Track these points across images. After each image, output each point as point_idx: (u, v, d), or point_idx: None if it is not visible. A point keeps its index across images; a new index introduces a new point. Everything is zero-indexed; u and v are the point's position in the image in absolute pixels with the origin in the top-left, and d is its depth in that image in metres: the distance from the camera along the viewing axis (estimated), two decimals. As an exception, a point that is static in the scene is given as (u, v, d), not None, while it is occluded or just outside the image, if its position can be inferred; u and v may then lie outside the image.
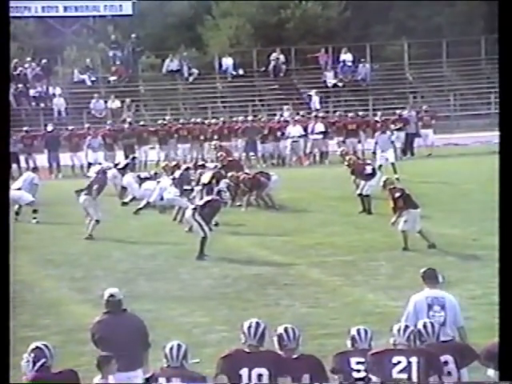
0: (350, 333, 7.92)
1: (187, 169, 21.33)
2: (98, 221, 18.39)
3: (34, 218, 20.63)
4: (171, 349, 7.55)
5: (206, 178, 20.32)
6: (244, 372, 7.38)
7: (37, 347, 7.67)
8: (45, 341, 11.12)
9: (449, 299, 8.90)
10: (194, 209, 16.69)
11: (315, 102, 36.57)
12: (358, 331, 7.92)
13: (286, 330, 7.66)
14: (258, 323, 7.61)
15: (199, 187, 20.23)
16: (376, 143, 26.43)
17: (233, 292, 13.74)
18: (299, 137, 30.97)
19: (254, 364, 7.40)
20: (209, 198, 17.47)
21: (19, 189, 20.87)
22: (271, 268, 15.25)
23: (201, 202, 17.11)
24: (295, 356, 7.58)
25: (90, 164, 29.32)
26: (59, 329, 11.89)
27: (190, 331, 11.55)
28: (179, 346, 7.57)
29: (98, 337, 8.62)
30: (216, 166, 21.95)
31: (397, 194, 16.44)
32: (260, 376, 7.38)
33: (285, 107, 34.96)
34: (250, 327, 7.57)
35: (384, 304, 12.66)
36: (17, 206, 20.82)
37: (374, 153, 26.20)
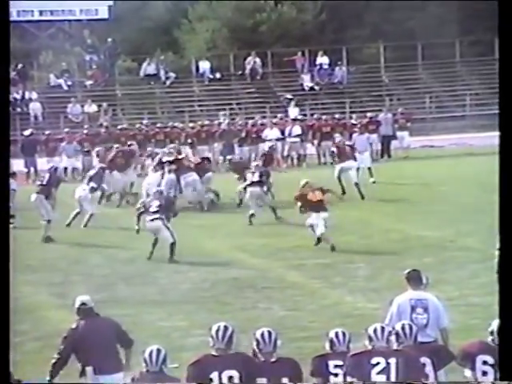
0: (329, 335, 7.92)
1: None
2: (49, 221, 18.43)
3: (11, 223, 20.48)
4: (150, 353, 7.55)
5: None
6: (214, 376, 7.39)
7: None
8: (23, 347, 11.16)
9: (432, 301, 8.90)
10: (161, 218, 16.43)
11: (293, 111, 36.16)
12: (337, 334, 7.92)
13: (262, 333, 7.66)
14: (225, 327, 7.63)
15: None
16: (353, 145, 26.51)
17: (211, 296, 13.72)
18: (277, 140, 30.99)
19: (224, 367, 7.42)
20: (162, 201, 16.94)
21: None
22: (249, 271, 15.25)
23: (156, 208, 16.64)
24: (273, 359, 7.59)
25: (65, 168, 29.28)
26: (37, 334, 11.83)
27: (168, 335, 11.54)
28: (158, 350, 7.58)
29: (74, 343, 8.57)
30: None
31: (316, 197, 16.74)
32: (230, 378, 7.40)
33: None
34: (218, 331, 7.60)
35: (362, 306, 12.68)
36: None
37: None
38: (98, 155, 25.14)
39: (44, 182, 19.02)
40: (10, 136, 7.66)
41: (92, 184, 20.54)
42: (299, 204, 17.16)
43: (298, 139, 31.04)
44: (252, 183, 19.95)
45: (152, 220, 16.51)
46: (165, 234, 16.35)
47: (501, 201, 6.79)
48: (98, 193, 21.41)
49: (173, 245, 16.22)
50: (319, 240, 16.72)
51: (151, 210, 16.63)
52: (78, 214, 20.31)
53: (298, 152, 31.48)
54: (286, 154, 31.27)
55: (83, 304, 8.72)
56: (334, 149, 24.07)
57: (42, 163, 29.44)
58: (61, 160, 29.44)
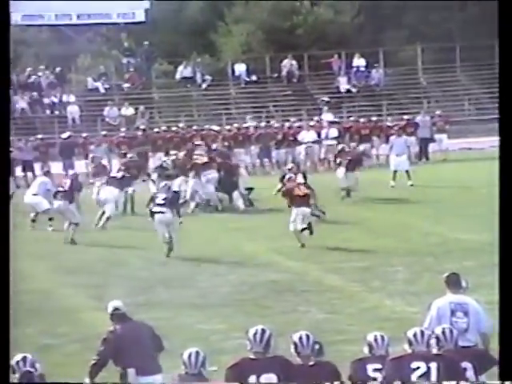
0: (367, 339, 7.90)
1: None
2: (77, 224, 18.97)
3: (50, 226, 20.69)
4: (189, 356, 7.57)
5: None
6: (252, 379, 7.41)
7: (18, 361, 7.49)
8: (63, 348, 11.27)
9: (472, 305, 8.80)
10: (168, 211, 17.07)
11: (327, 115, 35.91)
12: (375, 337, 7.89)
13: (300, 336, 7.66)
14: (263, 330, 7.64)
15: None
16: (391, 147, 26.45)
17: (250, 299, 13.74)
18: (313, 142, 30.97)
19: (262, 370, 7.42)
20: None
21: (36, 194, 20.86)
22: (288, 274, 15.25)
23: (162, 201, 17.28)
24: (311, 363, 7.58)
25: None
26: (77, 336, 11.91)
27: (207, 338, 11.57)
28: (197, 353, 7.60)
29: (113, 346, 8.65)
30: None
31: (301, 192, 17.33)
32: (268, 381, 7.40)
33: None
34: (255, 334, 7.60)
35: (401, 310, 12.64)
36: (33, 214, 20.86)
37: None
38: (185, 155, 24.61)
39: (66, 188, 19.58)
40: (10, 137, 7.76)
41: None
42: (287, 200, 17.45)
43: (334, 142, 30.97)
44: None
45: (159, 212, 17.13)
46: (169, 227, 17.08)
47: (501, 204, 7.01)
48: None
49: (171, 239, 16.89)
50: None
51: (157, 201, 17.32)
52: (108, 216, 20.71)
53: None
54: (322, 156, 31.22)
55: (116, 309, 8.79)
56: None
57: (81, 166, 29.65)
58: (88, 164, 28.81)
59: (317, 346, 7.69)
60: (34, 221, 20.81)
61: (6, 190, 8.04)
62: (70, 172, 22.58)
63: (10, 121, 8.23)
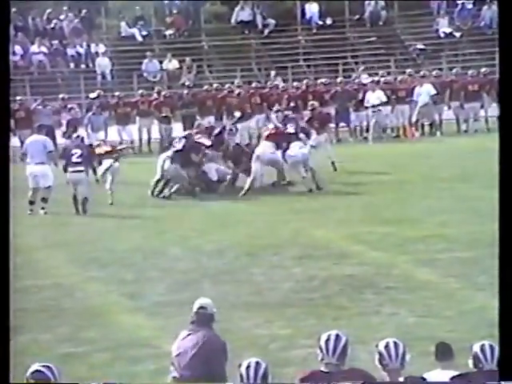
0: (472, 349, 7.84)
1: None
2: (86, 198, 20.55)
3: (43, 208, 20.63)
4: (248, 367, 7.58)
5: None
6: (324, 397, 7.46)
7: (36, 371, 7.58)
8: (89, 358, 11.38)
9: None
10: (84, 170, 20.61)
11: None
12: (483, 348, 7.82)
13: (387, 345, 7.63)
14: (337, 336, 7.64)
15: None
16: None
17: (320, 297, 13.76)
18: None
19: None
20: None
21: (41, 163, 20.65)
22: (368, 267, 15.24)
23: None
24: (401, 379, 7.55)
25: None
26: (106, 344, 12.03)
27: (267, 346, 11.62)
28: (258, 364, 7.61)
29: (178, 352, 8.92)
30: None
31: None
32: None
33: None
34: (328, 341, 7.60)
35: (514, 312, 12.52)
36: (31, 192, 20.62)
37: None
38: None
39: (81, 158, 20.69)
40: (9, 133, 8.57)
41: None
42: None
43: (430, 100, 30.71)
44: None
45: (75, 172, 20.23)
46: (84, 188, 20.28)
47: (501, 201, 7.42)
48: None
49: (86, 200, 20.18)
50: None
51: (73, 160, 20.26)
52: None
53: (430, 117, 31.17)
54: (414, 119, 31.04)
55: (201, 308, 9.00)
56: None
57: (112, 132, 29.84)
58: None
59: (408, 358, 7.64)
60: (32, 202, 20.68)
61: (6, 182, 8.53)
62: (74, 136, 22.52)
63: (9, 119, 9.07)
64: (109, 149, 22.38)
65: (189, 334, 8.98)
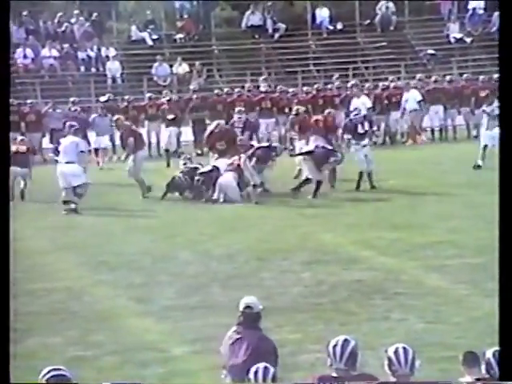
0: (485, 356, 7.81)
1: None
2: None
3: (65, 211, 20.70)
4: (256, 372, 7.59)
5: None
6: (334, 402, 7.45)
7: (55, 374, 7.47)
8: (98, 362, 11.38)
9: None
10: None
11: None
12: (494, 354, 7.79)
13: (396, 351, 7.61)
14: (346, 340, 7.63)
15: None
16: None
17: (329, 302, 13.74)
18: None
19: None
20: None
21: (70, 162, 20.62)
22: (377, 273, 15.22)
23: None
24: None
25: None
26: (115, 347, 12.02)
27: (276, 351, 11.60)
28: (266, 368, 7.61)
29: (229, 355, 8.87)
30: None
31: None
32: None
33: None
34: (336, 346, 7.60)
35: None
36: (64, 192, 20.67)
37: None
38: None
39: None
40: (9, 135, 8.61)
41: None
42: None
43: (417, 106, 30.62)
44: None
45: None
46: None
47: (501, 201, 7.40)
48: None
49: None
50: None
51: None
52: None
53: (440, 123, 31.15)
54: (425, 124, 31.01)
55: (247, 307, 8.95)
56: None
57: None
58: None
59: (417, 364, 7.61)
60: (66, 202, 20.69)
61: (6, 184, 8.69)
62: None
63: (9, 119, 9.17)
64: None
65: (238, 338, 8.89)
